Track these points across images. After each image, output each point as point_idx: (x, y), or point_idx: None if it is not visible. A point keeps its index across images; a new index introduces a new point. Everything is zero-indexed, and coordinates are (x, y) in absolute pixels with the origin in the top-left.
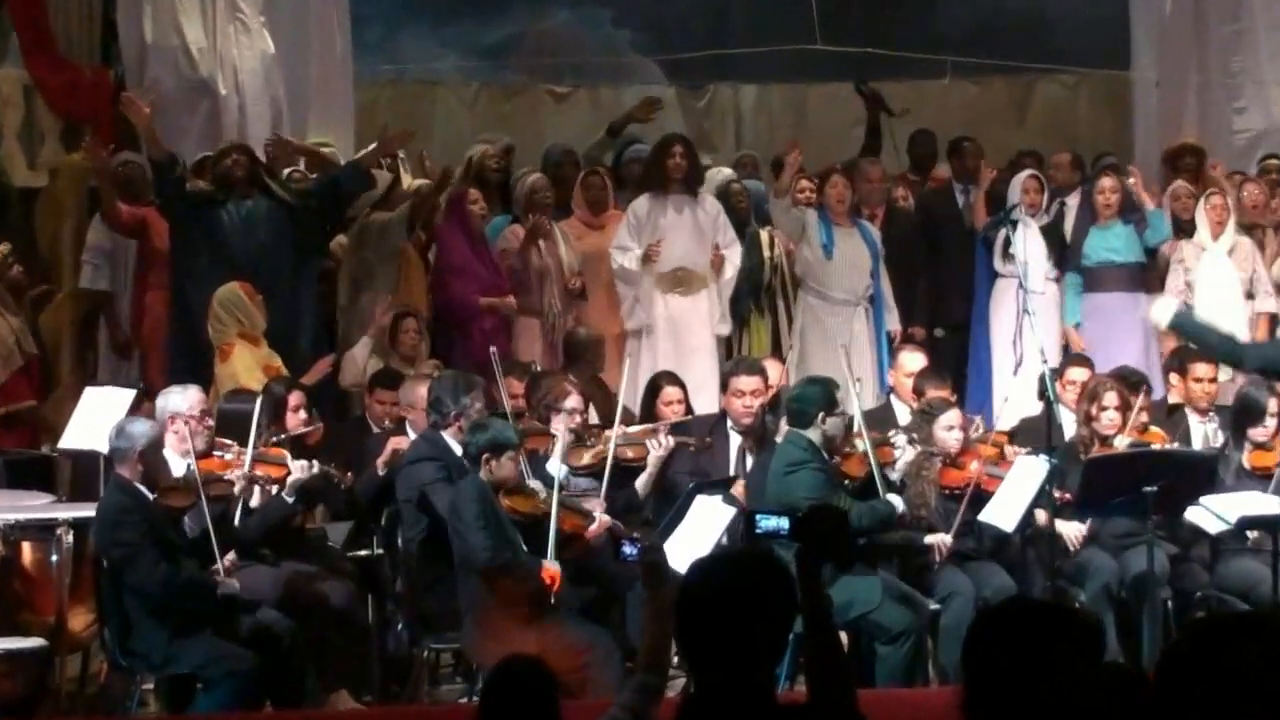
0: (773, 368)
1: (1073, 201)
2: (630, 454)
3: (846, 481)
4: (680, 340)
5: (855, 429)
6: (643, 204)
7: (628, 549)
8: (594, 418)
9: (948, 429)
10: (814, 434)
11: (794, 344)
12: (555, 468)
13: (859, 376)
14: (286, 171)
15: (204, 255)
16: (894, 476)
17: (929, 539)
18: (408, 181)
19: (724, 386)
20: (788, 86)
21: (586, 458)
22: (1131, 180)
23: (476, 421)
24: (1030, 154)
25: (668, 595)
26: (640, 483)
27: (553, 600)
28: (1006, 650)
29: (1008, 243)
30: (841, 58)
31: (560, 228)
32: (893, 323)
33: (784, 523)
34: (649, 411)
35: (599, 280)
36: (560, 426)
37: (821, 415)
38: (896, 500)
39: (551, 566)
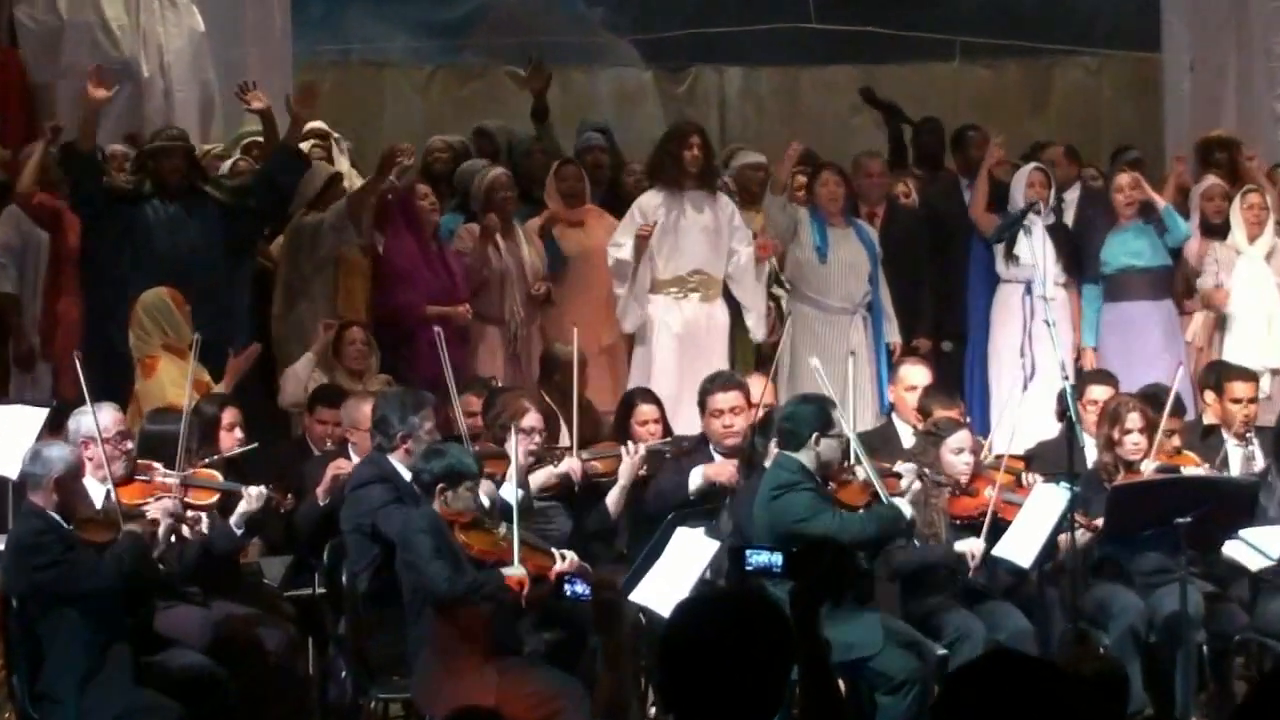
0: (757, 383)
1: (1070, 197)
2: (599, 467)
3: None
4: (695, 352)
5: (853, 455)
6: (652, 200)
7: (576, 588)
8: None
9: (956, 452)
10: (806, 457)
11: (783, 356)
12: (511, 494)
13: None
14: (228, 163)
15: (125, 256)
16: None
17: (960, 545)
18: (345, 168)
19: (701, 406)
20: (778, 70)
21: (550, 476)
22: (1179, 170)
23: (431, 447)
24: (1048, 146)
25: (625, 638)
26: (611, 499)
27: (523, 603)
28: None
29: (1012, 243)
30: (839, 37)
31: (525, 227)
32: (892, 334)
33: (777, 558)
34: (622, 433)
35: (579, 284)
36: (515, 448)
37: (815, 436)
38: (904, 506)
39: (516, 572)
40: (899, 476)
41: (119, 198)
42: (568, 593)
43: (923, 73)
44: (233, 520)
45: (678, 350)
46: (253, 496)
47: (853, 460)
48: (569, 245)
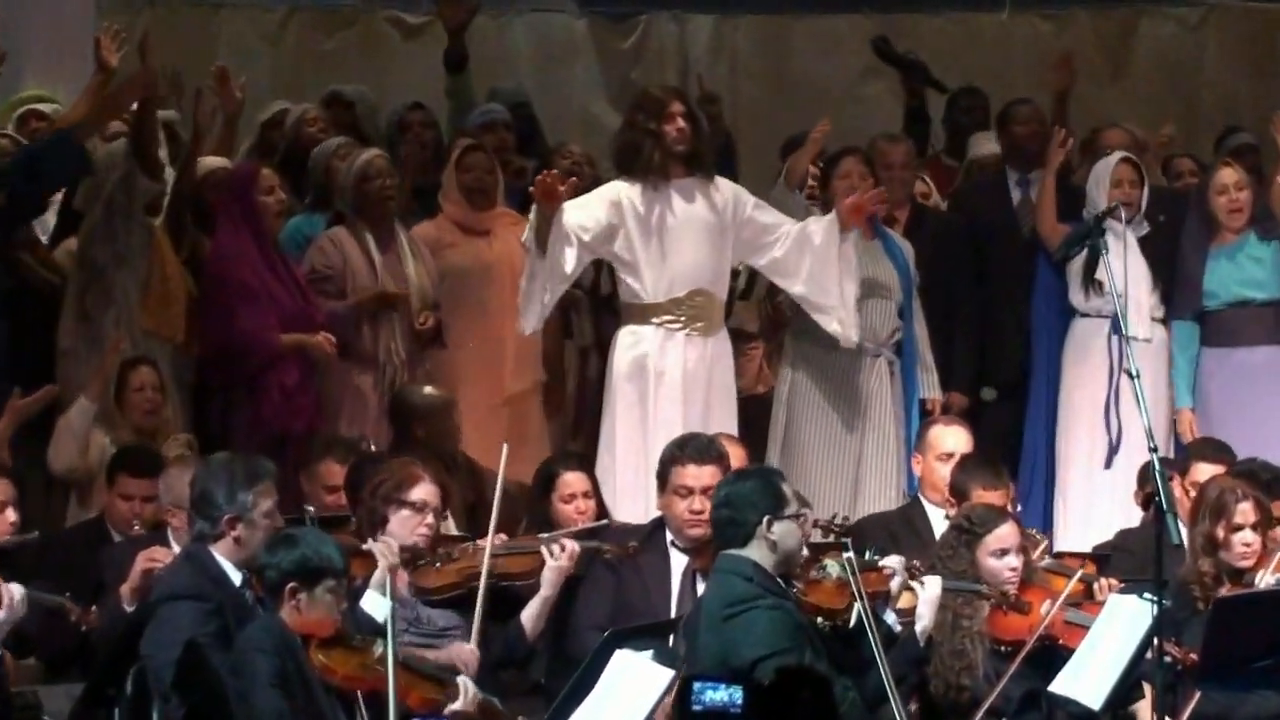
0: (734, 450)
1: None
2: (513, 568)
3: (821, 621)
4: (699, 407)
5: (814, 528)
6: (627, 192)
7: None
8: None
9: (998, 555)
10: (757, 552)
11: (778, 413)
12: (376, 605)
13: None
14: None
15: None
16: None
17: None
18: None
19: (661, 480)
20: (762, 19)
21: (443, 578)
22: None
23: (284, 534)
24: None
25: None
26: (529, 614)
27: None
28: None
29: (1093, 265)
30: None
31: (426, 228)
32: (930, 387)
33: (735, 694)
34: (540, 513)
35: (478, 313)
36: (379, 546)
37: (766, 521)
38: (889, 619)
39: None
40: (884, 571)
41: None
42: None
43: (961, 25)
44: None
45: (683, 402)
46: (15, 600)
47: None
48: (463, 259)
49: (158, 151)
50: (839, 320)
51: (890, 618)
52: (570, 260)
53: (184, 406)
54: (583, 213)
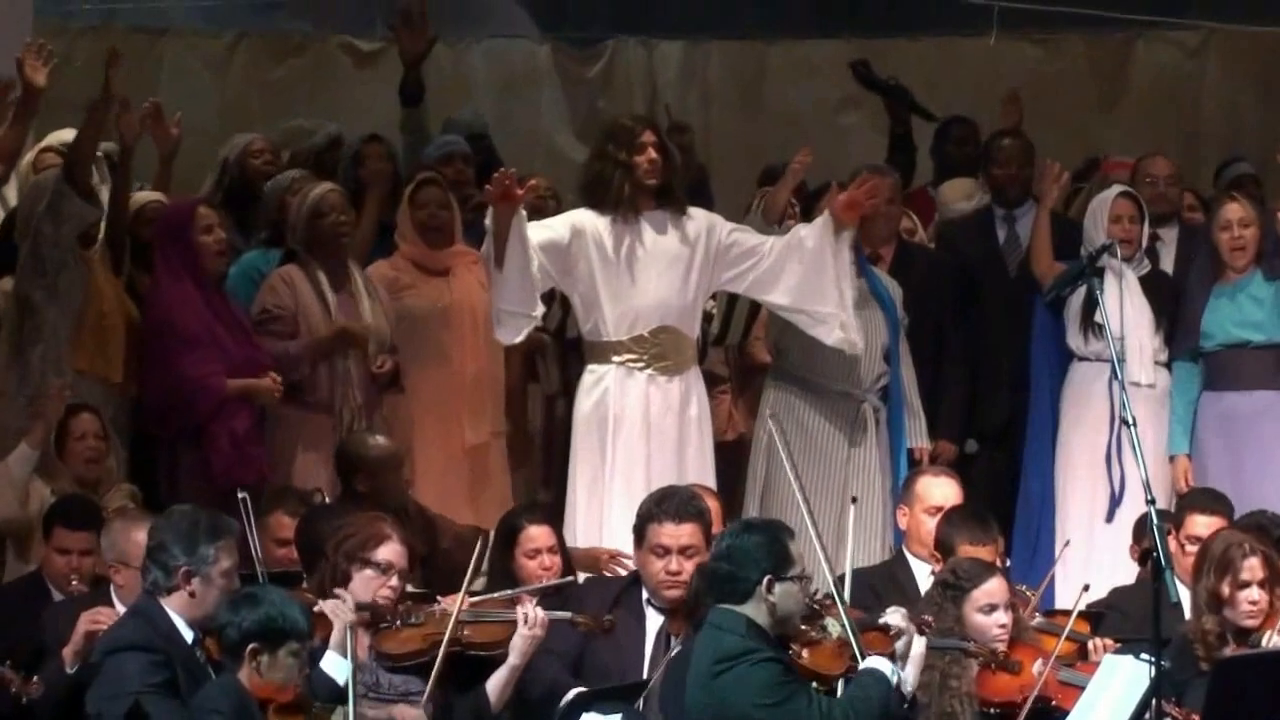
0: (713, 504)
1: (1170, 236)
2: (481, 638)
3: (816, 686)
4: (666, 456)
5: (822, 595)
6: (593, 221)
7: None
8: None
9: (986, 610)
10: (755, 610)
11: (755, 462)
12: (336, 667)
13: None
14: None
15: None
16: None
17: None
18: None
19: (638, 536)
20: (736, 44)
21: (406, 643)
22: None
23: (246, 592)
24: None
25: None
26: (495, 683)
27: None
28: None
29: (1091, 306)
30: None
31: (380, 267)
32: (918, 435)
33: None
34: (502, 568)
35: (437, 357)
36: (339, 606)
37: (768, 581)
38: (883, 665)
39: None
40: (887, 629)
41: None
42: None
43: (945, 50)
44: None
45: (647, 447)
46: None
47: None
48: (421, 301)
49: (90, 174)
50: (840, 326)
51: (910, 677)
52: (535, 274)
53: (123, 452)
54: (543, 230)
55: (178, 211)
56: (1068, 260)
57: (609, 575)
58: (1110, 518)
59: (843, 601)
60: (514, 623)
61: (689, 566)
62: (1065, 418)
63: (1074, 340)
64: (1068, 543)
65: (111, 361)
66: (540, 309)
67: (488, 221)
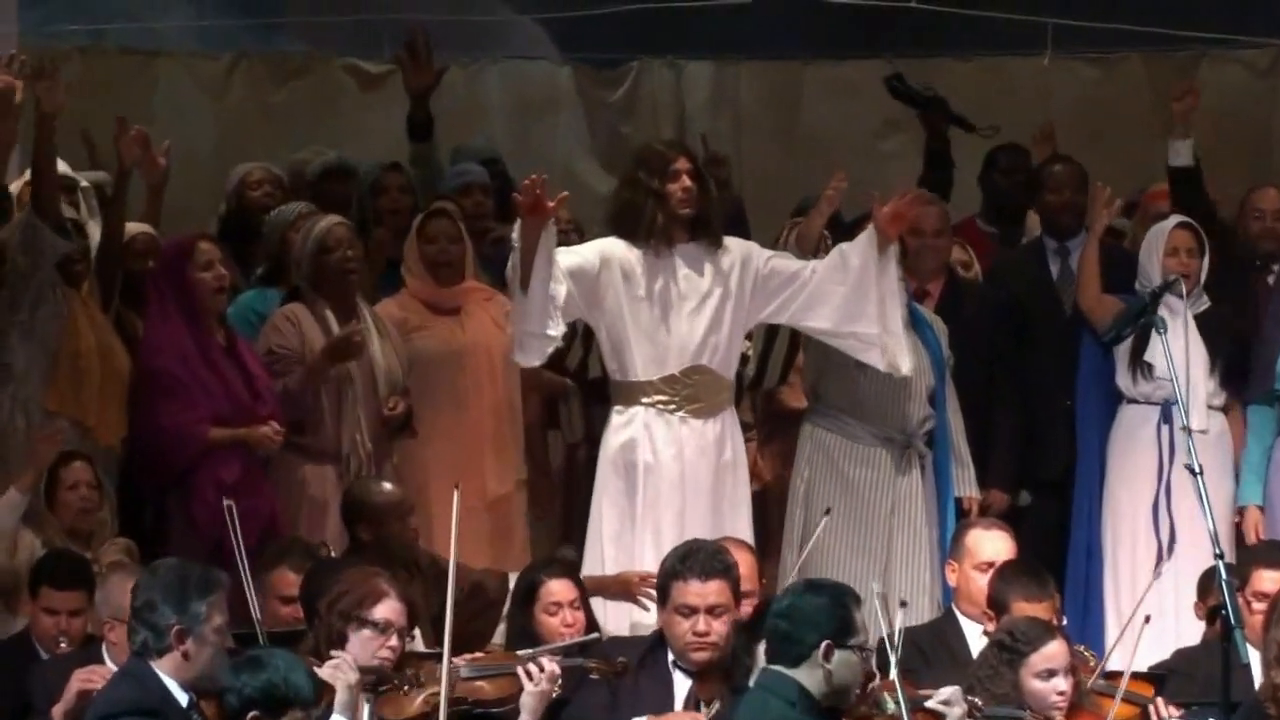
0: (742, 556)
1: None
2: (487, 693)
3: None
4: (700, 503)
5: (886, 673)
6: (622, 252)
7: None
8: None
9: (1045, 676)
10: (809, 677)
11: (793, 511)
12: None
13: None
14: None
15: None
16: None
17: None
18: (94, 232)
19: (662, 595)
20: (769, 65)
21: (411, 707)
22: None
23: (251, 655)
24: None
25: None
26: None
27: None
28: None
29: (1141, 344)
30: (863, 17)
31: (389, 306)
32: (967, 483)
33: None
34: (521, 625)
35: (451, 403)
36: (329, 670)
37: (826, 647)
38: None
39: None
40: (939, 712)
41: None
42: None
43: (995, 72)
44: None
45: (680, 496)
46: None
47: (886, 677)
48: (432, 343)
49: (59, 202)
50: (881, 348)
51: None
52: (559, 294)
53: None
54: (571, 256)
55: (177, 246)
56: (1123, 295)
57: (642, 600)
58: (1159, 571)
59: (899, 674)
60: (520, 677)
61: (717, 626)
62: (1112, 464)
63: (1122, 380)
64: (1148, 618)
65: (85, 404)
66: (561, 328)
67: (513, 236)
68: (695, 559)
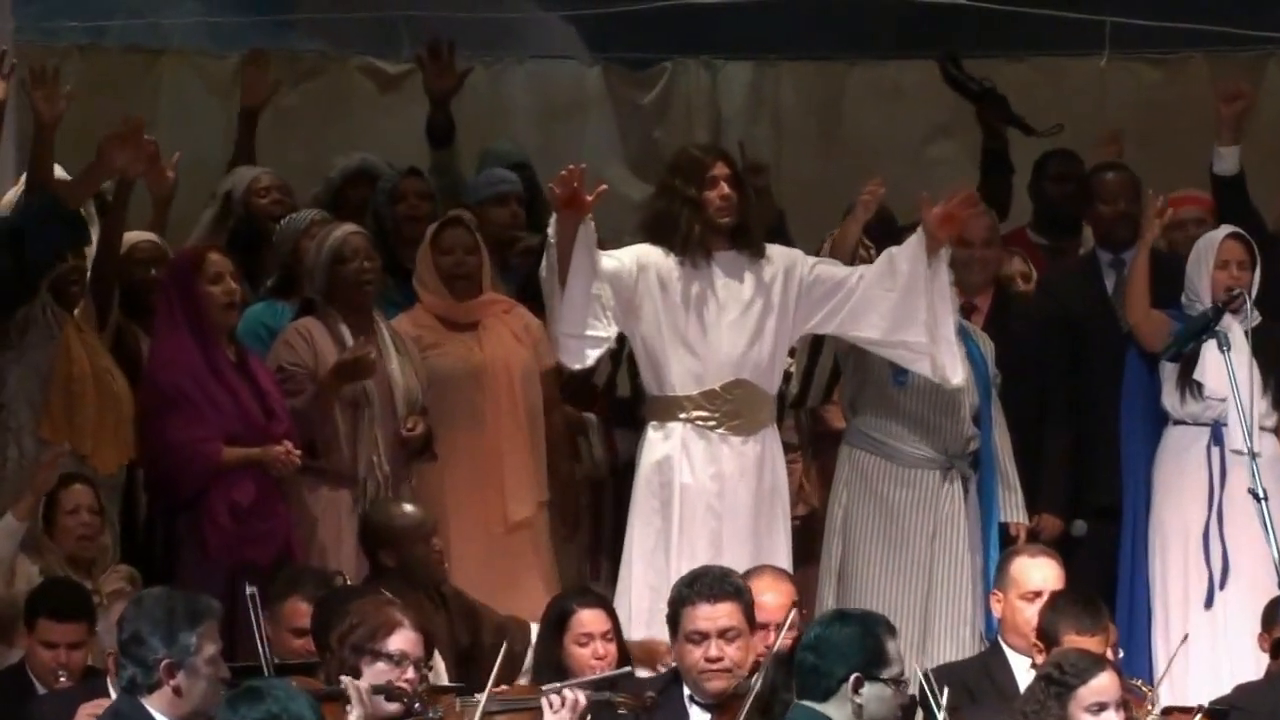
0: (777, 585)
1: None
2: None
3: None
4: (734, 520)
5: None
6: (659, 260)
7: None
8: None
9: (1095, 709)
10: (839, 712)
11: (831, 538)
12: None
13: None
14: None
15: None
16: None
17: None
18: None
19: (672, 626)
20: (810, 66)
21: None
22: None
23: (249, 686)
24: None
25: None
26: None
27: None
28: None
29: (1190, 363)
30: (912, 15)
31: (403, 323)
32: (1014, 508)
33: None
34: (551, 657)
35: (476, 424)
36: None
37: (856, 680)
38: None
39: None
40: None
41: None
42: None
43: (1051, 72)
44: None
45: (718, 518)
46: None
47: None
48: (448, 361)
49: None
50: (931, 358)
51: None
52: (605, 292)
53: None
54: (607, 259)
55: (186, 257)
56: (1170, 310)
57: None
58: (1209, 603)
59: (940, 709)
60: (543, 708)
61: (731, 651)
62: (1158, 489)
63: (1169, 400)
64: (1185, 638)
65: (80, 432)
66: (612, 329)
67: (549, 232)
68: (702, 582)
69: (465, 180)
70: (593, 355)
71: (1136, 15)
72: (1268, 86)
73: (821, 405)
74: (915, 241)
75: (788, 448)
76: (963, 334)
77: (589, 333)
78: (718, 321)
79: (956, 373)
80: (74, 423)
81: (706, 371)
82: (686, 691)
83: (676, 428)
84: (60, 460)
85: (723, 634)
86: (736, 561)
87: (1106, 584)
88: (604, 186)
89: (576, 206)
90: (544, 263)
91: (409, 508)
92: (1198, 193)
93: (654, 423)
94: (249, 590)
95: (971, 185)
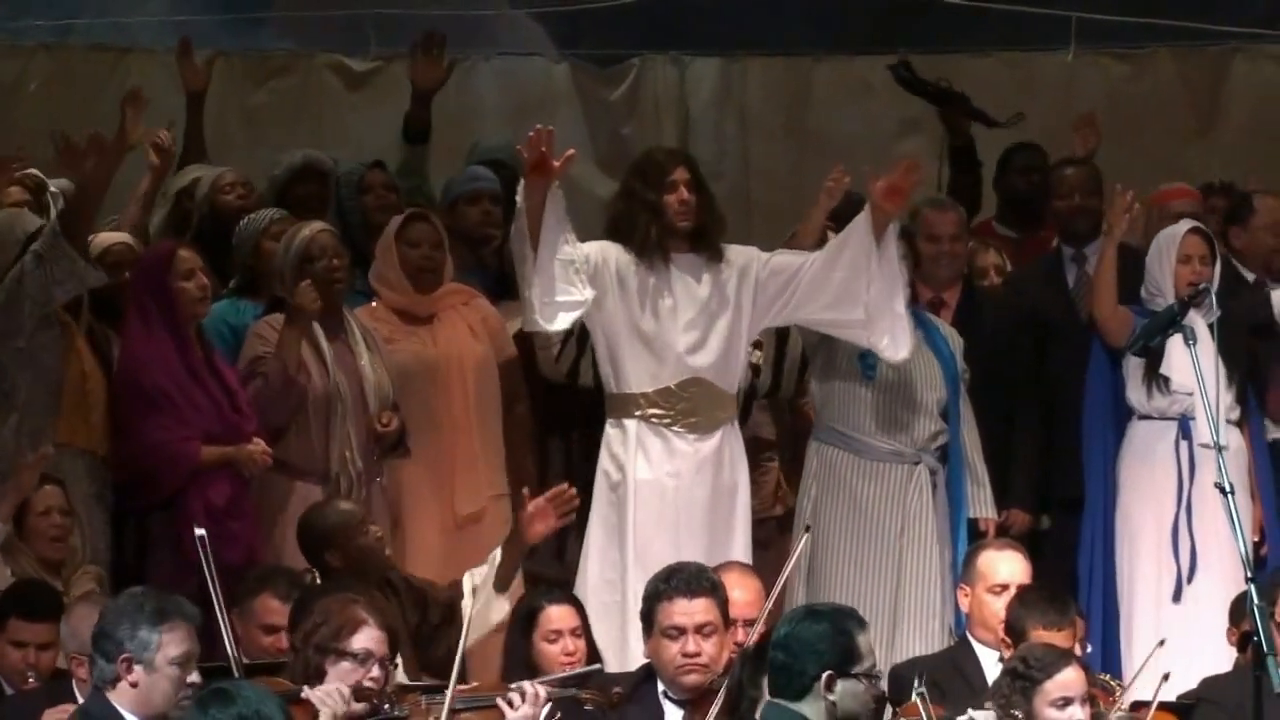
0: (744, 581)
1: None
2: None
3: None
4: (694, 523)
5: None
6: (618, 256)
7: None
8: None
9: (1060, 704)
10: (812, 710)
11: (798, 535)
12: None
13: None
14: None
15: None
16: None
17: None
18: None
19: (647, 622)
20: (776, 61)
21: None
22: None
23: (218, 687)
24: (1223, 189)
25: None
26: None
27: None
28: None
29: (1156, 359)
30: (878, 10)
31: (360, 318)
32: (982, 503)
33: None
34: (519, 656)
35: (430, 421)
36: (319, 694)
37: (828, 677)
38: None
39: None
40: None
41: None
42: None
43: (1017, 68)
44: None
45: (672, 517)
46: None
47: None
48: (404, 357)
49: (89, 231)
50: (873, 331)
51: None
52: (576, 256)
53: (106, 531)
54: (577, 247)
55: (155, 255)
56: (1133, 306)
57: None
58: (1177, 597)
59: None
60: (501, 706)
61: (707, 647)
62: (1125, 484)
63: (1135, 395)
64: (1161, 642)
65: (93, 432)
66: (589, 291)
67: (518, 197)
68: (679, 578)
69: (430, 181)
70: (566, 319)
71: (1103, 10)
72: (1234, 81)
73: (799, 398)
74: (862, 218)
75: (765, 444)
76: (930, 329)
77: (560, 297)
78: (673, 320)
79: (905, 346)
80: (88, 423)
81: (662, 370)
82: (660, 687)
83: (632, 425)
84: (43, 463)
85: (699, 629)
86: (691, 559)
87: (1069, 578)
88: (572, 151)
89: (544, 171)
90: (513, 228)
91: (342, 504)
92: (1184, 185)
93: (611, 419)
94: (198, 533)
95: (940, 180)
